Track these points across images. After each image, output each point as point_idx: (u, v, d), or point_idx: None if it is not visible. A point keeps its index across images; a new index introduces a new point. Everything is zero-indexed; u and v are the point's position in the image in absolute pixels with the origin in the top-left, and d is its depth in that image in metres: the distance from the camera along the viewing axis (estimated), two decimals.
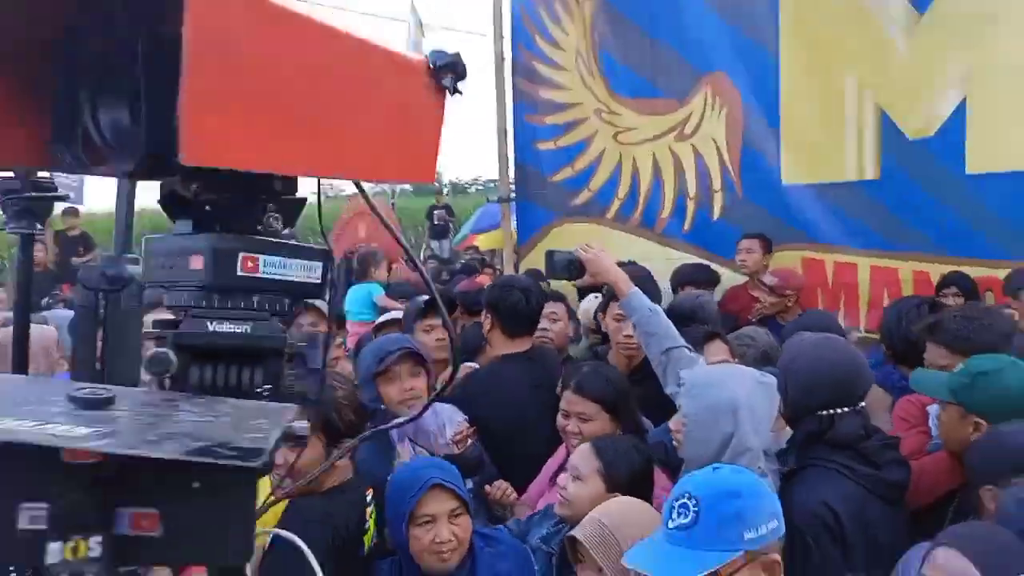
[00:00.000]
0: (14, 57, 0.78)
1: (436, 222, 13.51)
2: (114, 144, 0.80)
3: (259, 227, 0.84)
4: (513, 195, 5.92)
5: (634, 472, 2.12)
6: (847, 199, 4.40)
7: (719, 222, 4.88)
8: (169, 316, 0.91)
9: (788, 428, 2.29)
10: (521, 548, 2.17)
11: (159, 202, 0.86)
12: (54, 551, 0.64)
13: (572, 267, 2.76)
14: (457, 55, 0.85)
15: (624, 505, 1.91)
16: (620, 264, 2.86)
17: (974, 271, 3.95)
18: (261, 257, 0.81)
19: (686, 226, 5.01)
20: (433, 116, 0.86)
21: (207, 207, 0.83)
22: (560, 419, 2.51)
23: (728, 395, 2.01)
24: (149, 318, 1.00)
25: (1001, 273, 3.86)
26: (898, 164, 4.27)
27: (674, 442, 2.20)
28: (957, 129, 4.11)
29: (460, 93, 0.85)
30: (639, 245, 5.02)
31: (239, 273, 0.81)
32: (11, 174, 1.63)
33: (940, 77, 4.19)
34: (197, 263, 0.81)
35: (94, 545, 0.65)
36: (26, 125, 0.81)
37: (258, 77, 0.69)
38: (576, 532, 1.79)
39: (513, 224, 5.99)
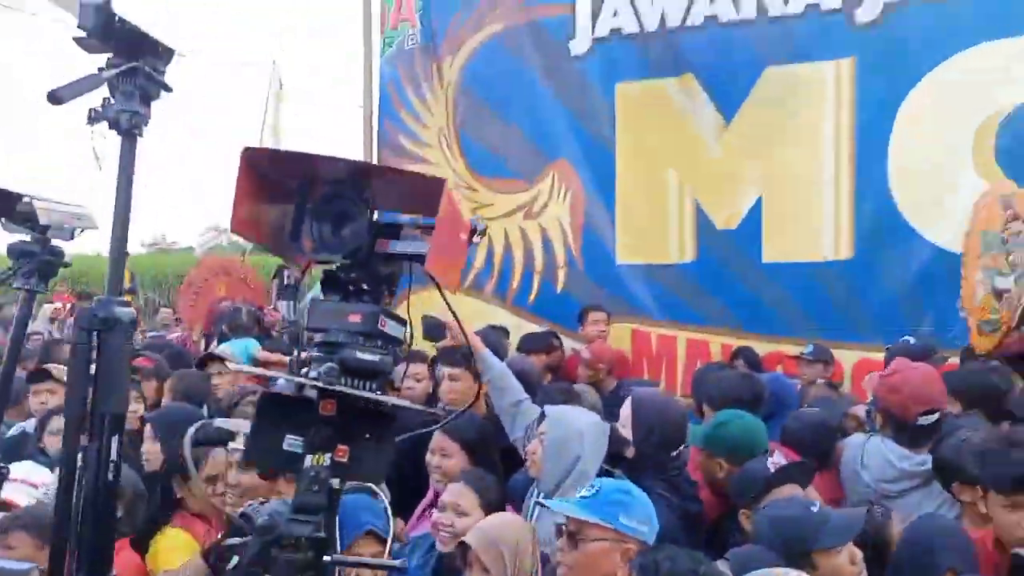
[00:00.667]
0: (290, 190, 1.33)
1: (286, 282, 12.68)
2: (318, 243, 1.32)
3: (380, 300, 1.33)
4: None
5: (502, 497, 2.57)
6: (669, 279, 5.08)
7: (562, 294, 5.43)
8: None
9: None
10: None
11: (321, 282, 1.37)
12: (308, 459, 1.22)
13: (438, 331, 3.17)
14: (486, 226, 1.47)
15: (499, 518, 2.34)
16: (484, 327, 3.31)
17: (768, 346, 4.67)
18: (388, 320, 1.30)
19: (531, 297, 5.54)
20: (464, 252, 1.44)
21: (351, 287, 1.32)
22: (428, 455, 2.89)
23: (579, 426, 2.62)
24: None
25: (790, 348, 4.59)
26: (710, 250, 4.99)
27: (528, 463, 2.70)
28: (756, 223, 4.89)
29: (476, 243, 1.45)
30: (493, 313, 5.46)
31: (378, 327, 1.28)
32: (28, 238, 1.86)
33: (741, 178, 4.97)
34: (356, 318, 1.28)
35: (326, 459, 1.22)
36: (282, 226, 1.36)
37: (447, 233, 1.32)
38: (468, 539, 2.18)
39: None
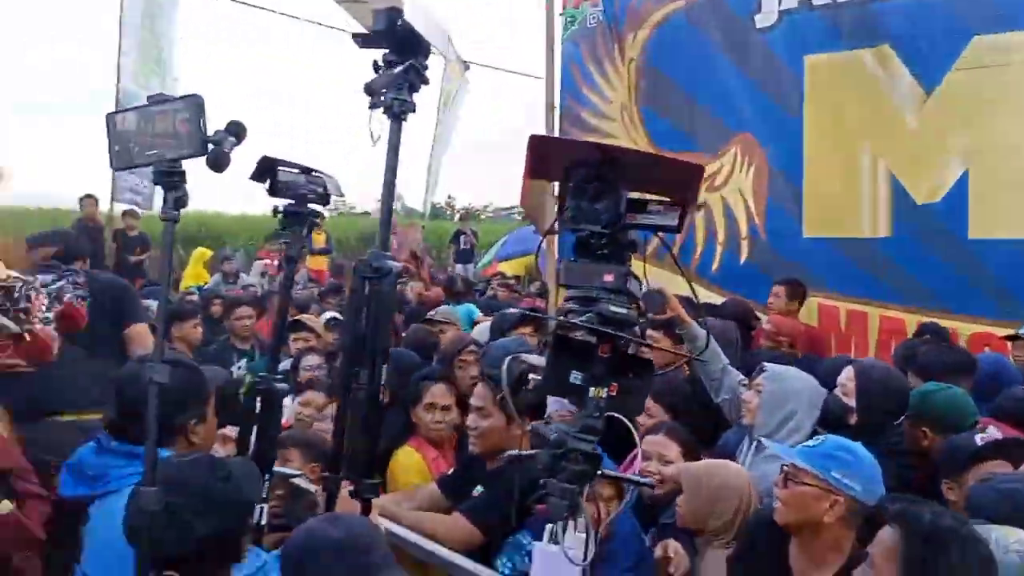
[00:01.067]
0: (558, 169, 1.58)
1: (463, 246, 13.71)
2: (578, 214, 1.52)
3: (624, 263, 1.54)
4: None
5: (697, 448, 2.75)
6: (861, 253, 4.94)
7: (745, 265, 5.42)
8: None
9: None
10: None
11: (574, 247, 1.55)
12: (592, 392, 1.42)
13: (659, 298, 3.33)
14: (704, 201, 1.77)
15: (709, 461, 2.60)
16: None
17: (973, 327, 4.46)
18: (631, 279, 1.51)
19: (714, 267, 5.56)
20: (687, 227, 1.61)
21: (599, 252, 1.52)
22: None
23: (796, 384, 2.83)
24: None
25: (998, 330, 4.35)
26: (907, 225, 4.81)
27: (744, 411, 2.89)
28: (961, 197, 4.66)
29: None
30: (674, 282, 5.52)
31: (626, 286, 1.49)
32: (293, 201, 2.21)
33: (944, 150, 4.75)
34: (609, 277, 1.48)
35: (604, 393, 1.43)
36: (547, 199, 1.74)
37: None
38: (680, 468, 2.48)
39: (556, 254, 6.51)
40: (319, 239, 11.80)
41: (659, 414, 3.00)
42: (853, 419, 2.80)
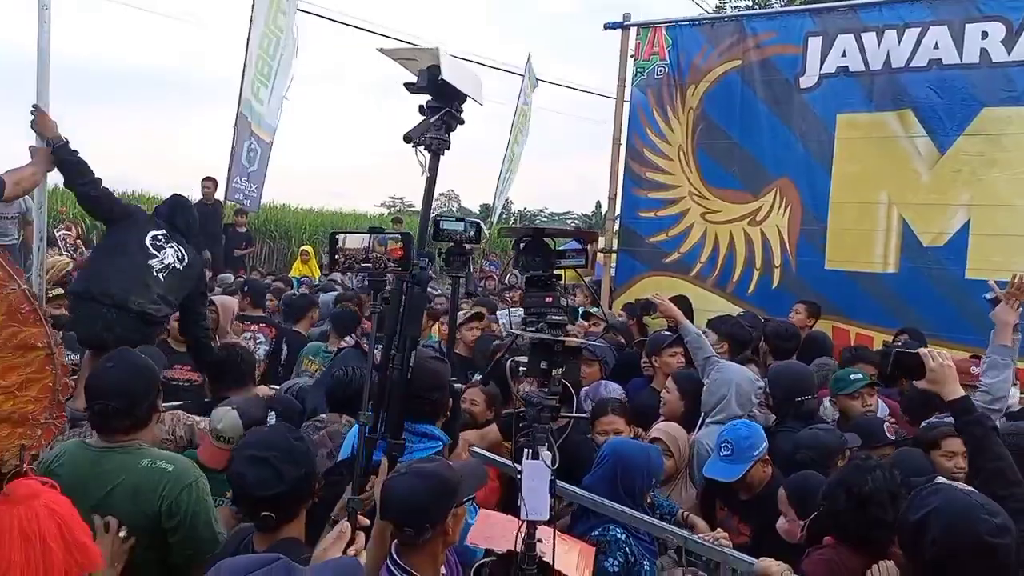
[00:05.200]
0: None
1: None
2: (529, 265, 2.25)
3: (557, 289, 2.24)
4: (614, 248, 7.56)
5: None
6: (872, 285, 5.93)
7: (777, 290, 6.45)
8: None
9: None
10: None
11: (526, 283, 2.22)
12: (554, 371, 2.15)
13: (650, 306, 4.45)
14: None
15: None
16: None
17: (960, 352, 5.39)
18: (562, 298, 2.21)
19: (750, 289, 6.60)
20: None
21: (541, 282, 2.21)
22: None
23: (732, 376, 3.87)
24: None
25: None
26: (913, 264, 5.79)
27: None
28: (962, 242, 5.63)
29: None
30: (713, 300, 6.60)
31: (559, 302, 2.21)
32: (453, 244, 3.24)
33: (952, 202, 5.72)
34: (549, 298, 2.17)
35: (560, 371, 2.18)
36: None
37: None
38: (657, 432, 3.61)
39: (612, 271, 7.60)
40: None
41: (674, 390, 4.03)
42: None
